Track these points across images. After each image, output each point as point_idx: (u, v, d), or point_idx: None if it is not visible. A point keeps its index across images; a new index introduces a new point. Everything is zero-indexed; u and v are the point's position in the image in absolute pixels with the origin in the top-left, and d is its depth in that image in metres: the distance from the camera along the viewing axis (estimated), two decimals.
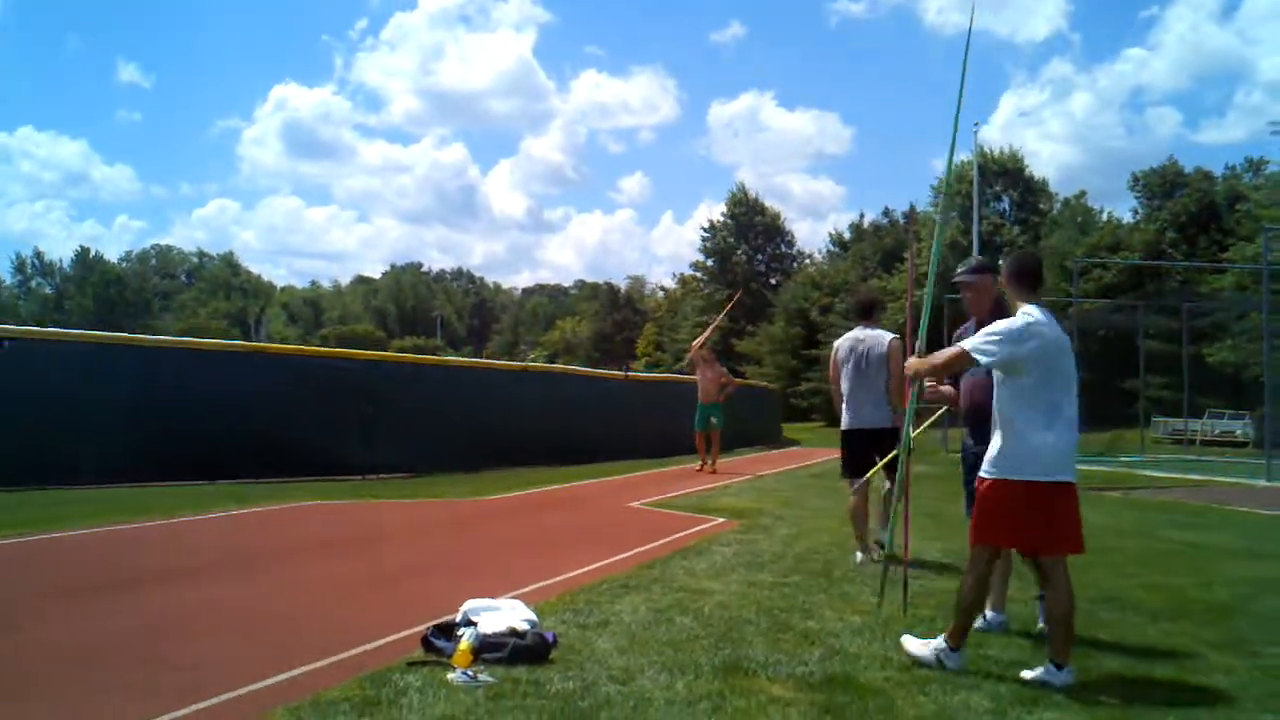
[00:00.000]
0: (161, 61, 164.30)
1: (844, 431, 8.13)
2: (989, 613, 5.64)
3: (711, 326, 21.49)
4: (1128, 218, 57.44)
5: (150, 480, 13.27)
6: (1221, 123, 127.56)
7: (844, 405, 8.08)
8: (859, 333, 8.10)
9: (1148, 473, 20.09)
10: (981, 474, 4.86)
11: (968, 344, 4.90)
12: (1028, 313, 4.82)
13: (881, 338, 7.98)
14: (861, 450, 7.81)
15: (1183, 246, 49.92)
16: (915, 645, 4.91)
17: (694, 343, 18.68)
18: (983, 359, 4.80)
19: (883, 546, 6.92)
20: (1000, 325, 4.81)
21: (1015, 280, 5.03)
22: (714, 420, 17.08)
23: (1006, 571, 5.69)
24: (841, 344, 8.22)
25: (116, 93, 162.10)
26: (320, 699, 4.02)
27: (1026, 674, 4.61)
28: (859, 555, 7.62)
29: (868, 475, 7.68)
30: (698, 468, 17.09)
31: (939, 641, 4.81)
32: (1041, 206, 61.91)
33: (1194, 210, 51.13)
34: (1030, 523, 4.71)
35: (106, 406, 13.44)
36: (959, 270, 5.98)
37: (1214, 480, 18.10)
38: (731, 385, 18.03)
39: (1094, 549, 8.66)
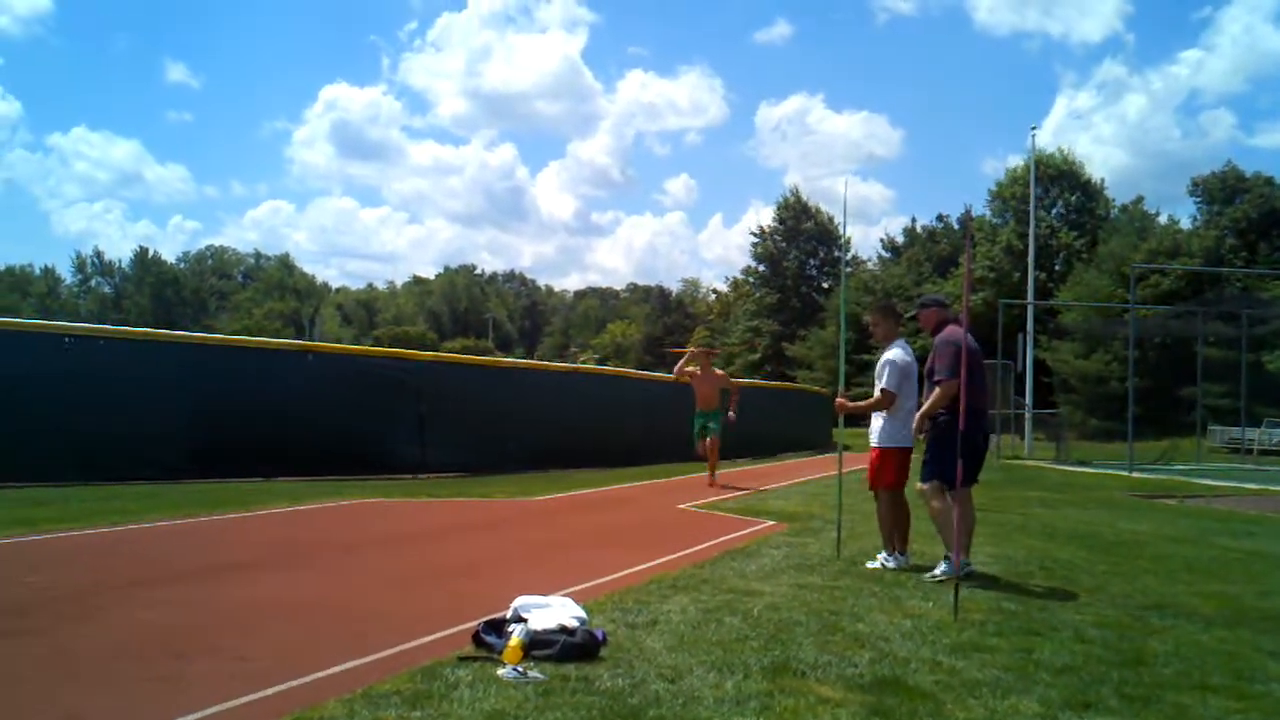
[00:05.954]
0: (209, 62, 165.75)
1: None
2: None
3: (686, 357, 16.72)
4: (1186, 223, 56.51)
5: (206, 478, 13.51)
6: (1277, 126, 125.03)
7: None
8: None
9: (1203, 481, 19.76)
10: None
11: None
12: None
13: None
14: None
15: (1243, 253, 49.03)
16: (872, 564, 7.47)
17: (676, 367, 16.25)
18: None
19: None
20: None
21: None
22: (711, 426, 15.20)
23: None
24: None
25: (166, 93, 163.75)
26: (372, 691, 4.08)
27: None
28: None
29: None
30: (708, 480, 15.02)
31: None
32: (1099, 211, 61.04)
33: (1254, 216, 50.22)
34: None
35: (165, 404, 13.72)
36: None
37: (1272, 490, 17.75)
38: (734, 392, 16.08)
39: (1147, 555, 8.63)
